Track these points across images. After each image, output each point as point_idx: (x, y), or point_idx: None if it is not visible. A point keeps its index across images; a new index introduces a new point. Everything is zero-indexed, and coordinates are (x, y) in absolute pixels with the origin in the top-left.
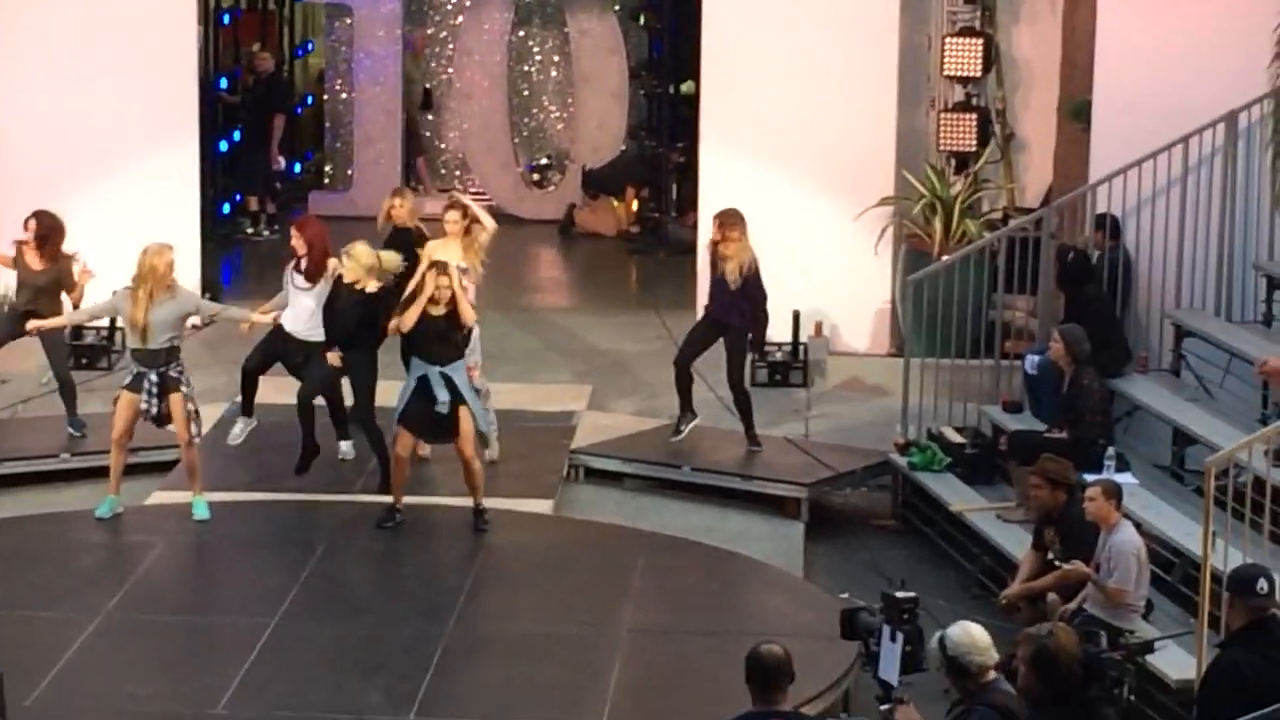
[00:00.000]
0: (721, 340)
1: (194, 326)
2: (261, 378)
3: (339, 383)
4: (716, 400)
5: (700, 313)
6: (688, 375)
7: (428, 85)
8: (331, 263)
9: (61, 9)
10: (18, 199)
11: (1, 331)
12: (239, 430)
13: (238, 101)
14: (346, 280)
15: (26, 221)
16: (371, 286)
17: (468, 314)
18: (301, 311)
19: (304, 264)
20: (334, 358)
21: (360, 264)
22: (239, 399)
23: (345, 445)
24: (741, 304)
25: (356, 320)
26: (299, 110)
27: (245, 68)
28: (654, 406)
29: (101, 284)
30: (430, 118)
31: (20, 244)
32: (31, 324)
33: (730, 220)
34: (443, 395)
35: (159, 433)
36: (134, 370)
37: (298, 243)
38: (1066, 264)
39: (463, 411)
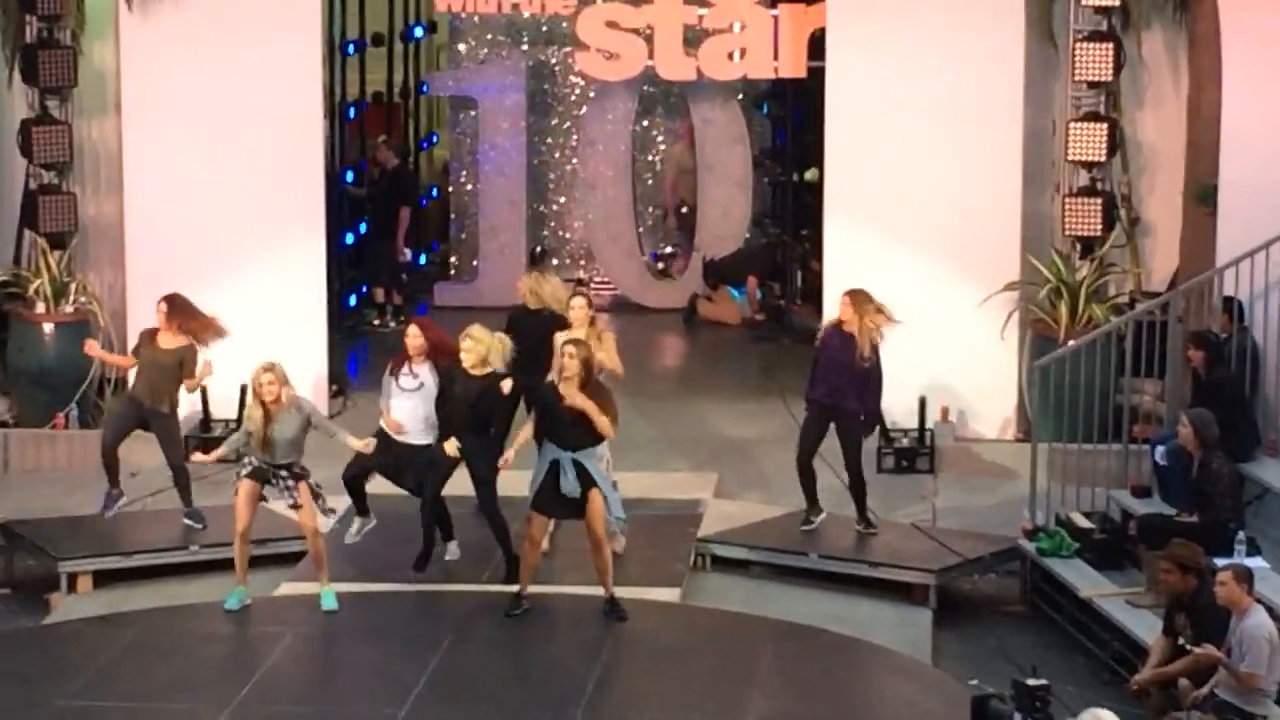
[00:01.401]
0: (834, 426)
1: None
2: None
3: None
4: (840, 486)
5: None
6: (810, 472)
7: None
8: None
9: (190, 102)
10: (146, 291)
11: (125, 422)
12: (355, 530)
13: (364, 194)
14: (466, 364)
15: (160, 304)
16: (486, 370)
17: (613, 362)
18: (404, 414)
19: (411, 365)
20: (451, 447)
21: (482, 345)
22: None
23: (453, 546)
24: (857, 386)
25: (475, 406)
26: (424, 202)
27: (370, 160)
28: (780, 494)
29: (226, 376)
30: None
31: (147, 332)
32: (89, 345)
33: (863, 297)
34: (570, 484)
35: (285, 525)
36: (254, 462)
37: (419, 341)
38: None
39: (594, 492)
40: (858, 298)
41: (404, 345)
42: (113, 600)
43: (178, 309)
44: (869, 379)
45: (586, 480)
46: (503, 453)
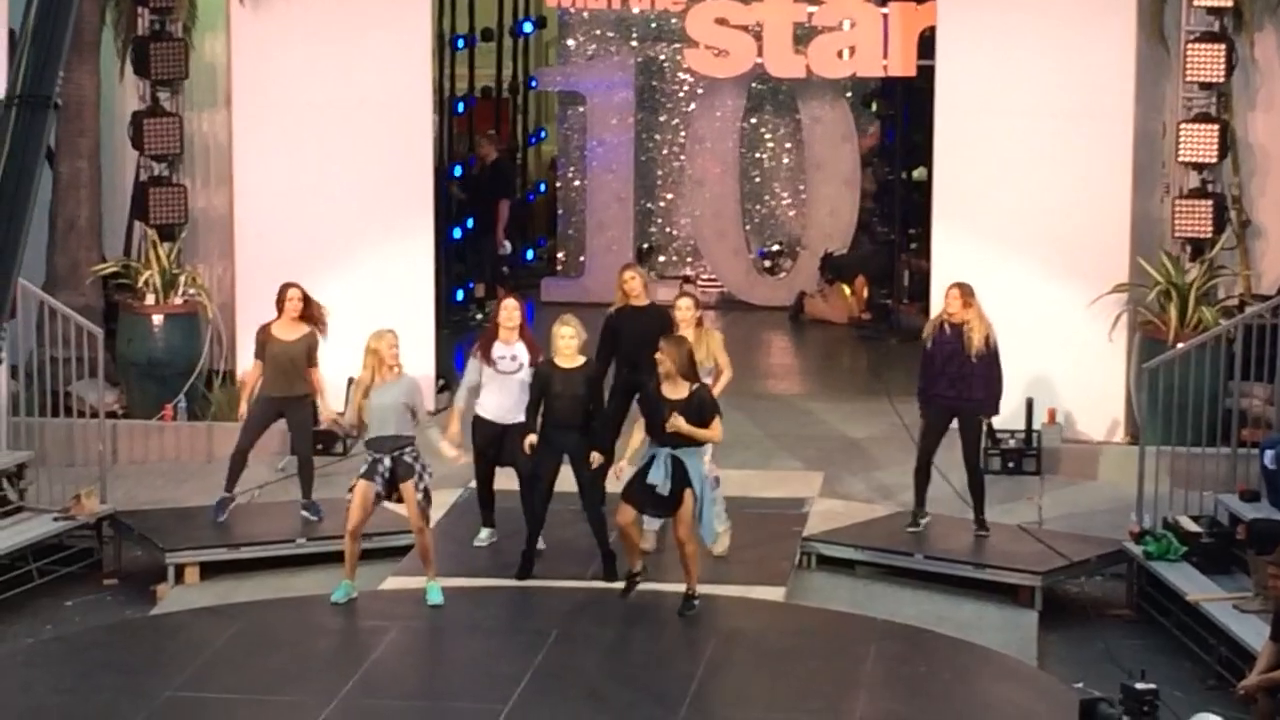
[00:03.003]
0: (957, 422)
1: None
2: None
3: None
4: (947, 486)
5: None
6: (928, 473)
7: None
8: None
9: (299, 95)
10: (254, 284)
11: (262, 423)
12: (484, 537)
13: (464, 197)
14: (568, 352)
15: (285, 291)
16: (581, 360)
17: (724, 361)
18: (507, 396)
19: (513, 343)
20: (597, 459)
21: (582, 330)
22: (472, 484)
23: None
24: (977, 380)
25: (584, 399)
26: (531, 197)
27: (476, 155)
28: (886, 492)
29: (334, 370)
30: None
31: (264, 329)
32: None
33: (970, 291)
34: (660, 478)
35: (394, 519)
36: (369, 457)
37: (518, 315)
38: None
39: (687, 493)
40: (967, 289)
41: (495, 322)
42: (220, 592)
43: (307, 296)
44: (992, 368)
45: (681, 479)
46: (605, 445)
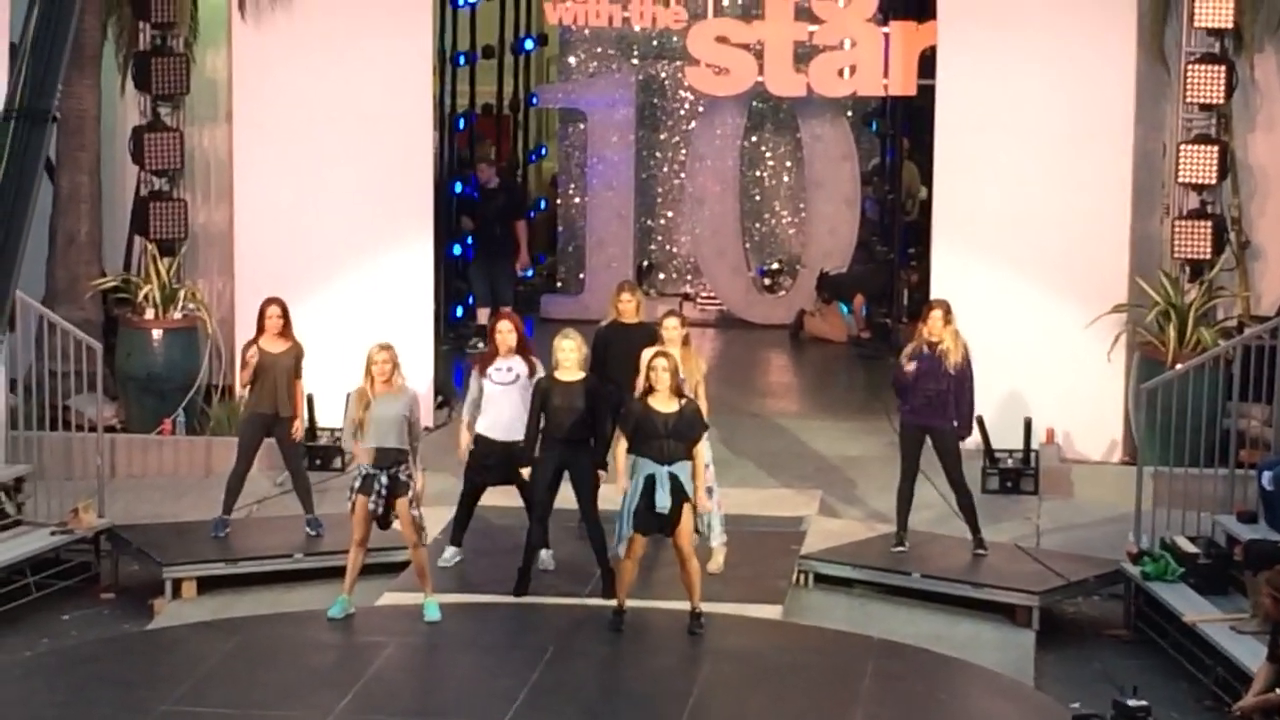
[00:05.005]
0: (931, 442)
1: None
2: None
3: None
4: (944, 504)
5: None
6: (909, 498)
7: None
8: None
9: (301, 111)
10: (254, 299)
11: (255, 440)
12: (448, 557)
13: (473, 226)
14: (568, 367)
15: (265, 309)
16: (580, 374)
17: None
18: (504, 407)
19: (510, 359)
20: (525, 473)
21: (583, 344)
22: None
23: (546, 555)
24: (950, 400)
25: (583, 411)
26: (531, 214)
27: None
28: (883, 512)
29: (331, 385)
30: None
31: (253, 342)
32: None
33: (949, 308)
34: (664, 500)
35: (389, 534)
36: (364, 471)
37: (514, 338)
38: None
39: (685, 507)
40: (947, 307)
41: (493, 342)
42: (217, 606)
43: (287, 313)
44: (964, 387)
45: (679, 493)
46: (602, 457)
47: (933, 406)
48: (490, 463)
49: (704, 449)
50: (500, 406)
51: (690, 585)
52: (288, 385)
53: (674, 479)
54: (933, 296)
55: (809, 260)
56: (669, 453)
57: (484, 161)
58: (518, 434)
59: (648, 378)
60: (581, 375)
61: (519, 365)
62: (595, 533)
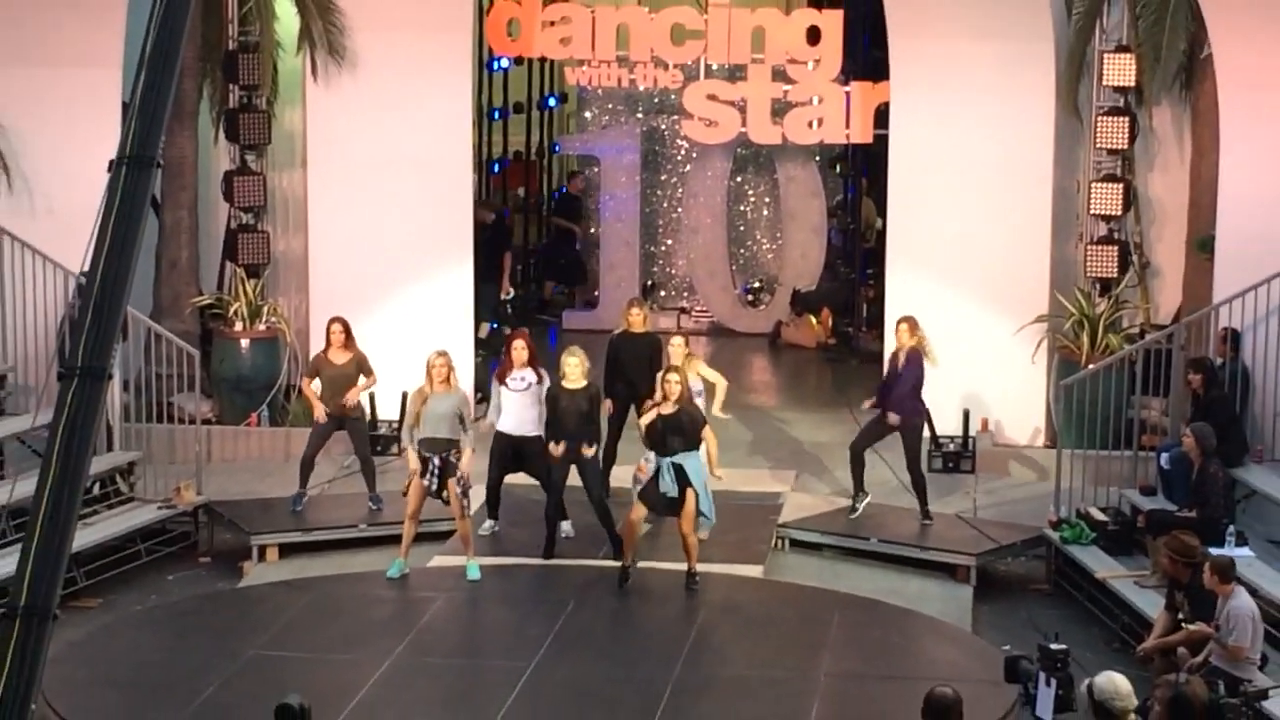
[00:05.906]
0: (898, 433)
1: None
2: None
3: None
4: (898, 483)
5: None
6: (861, 460)
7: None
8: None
9: (363, 158)
10: (326, 313)
11: (324, 435)
12: (486, 528)
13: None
14: (572, 378)
15: (330, 326)
16: (585, 382)
17: (714, 375)
18: (518, 409)
19: (523, 370)
20: (557, 450)
21: (585, 360)
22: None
23: (566, 525)
24: (907, 396)
25: (586, 414)
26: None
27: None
28: (847, 489)
29: (389, 383)
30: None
31: (319, 357)
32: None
33: (912, 322)
34: (668, 485)
35: (440, 509)
36: (421, 455)
37: (525, 353)
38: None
39: (689, 493)
40: (912, 322)
41: (509, 356)
42: (295, 568)
43: (348, 328)
44: (904, 381)
45: (683, 481)
46: (601, 449)
47: (895, 404)
48: (508, 453)
49: (713, 438)
50: (515, 408)
51: (689, 554)
52: (353, 389)
53: (677, 468)
54: (888, 310)
55: (784, 279)
56: (672, 448)
57: (481, 208)
58: (529, 430)
59: (662, 389)
60: (584, 384)
61: (530, 375)
62: (600, 506)
